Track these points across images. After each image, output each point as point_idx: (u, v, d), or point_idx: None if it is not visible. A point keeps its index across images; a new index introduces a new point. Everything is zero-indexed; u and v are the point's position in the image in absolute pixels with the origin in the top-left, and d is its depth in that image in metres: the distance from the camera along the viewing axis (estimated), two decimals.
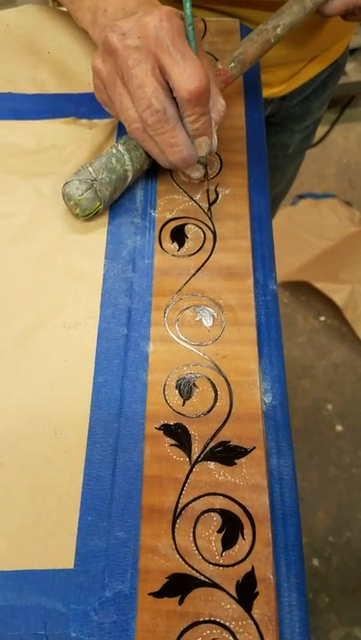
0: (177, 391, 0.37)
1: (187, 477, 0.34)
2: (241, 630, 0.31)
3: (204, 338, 0.39)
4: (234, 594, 0.31)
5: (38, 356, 0.39)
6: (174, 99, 0.39)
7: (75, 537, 0.33)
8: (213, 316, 0.40)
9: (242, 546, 0.33)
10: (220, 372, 0.38)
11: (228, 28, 0.55)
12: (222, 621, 0.31)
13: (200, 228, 0.44)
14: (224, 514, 0.33)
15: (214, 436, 0.36)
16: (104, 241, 0.44)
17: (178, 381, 0.38)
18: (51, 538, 0.33)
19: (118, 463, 0.35)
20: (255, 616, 0.31)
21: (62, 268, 0.43)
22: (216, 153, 0.47)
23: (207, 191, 0.46)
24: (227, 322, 0.40)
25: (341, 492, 1.33)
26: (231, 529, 0.33)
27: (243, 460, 0.35)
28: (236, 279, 0.42)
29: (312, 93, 0.77)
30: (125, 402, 0.37)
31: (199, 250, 0.43)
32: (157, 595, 0.32)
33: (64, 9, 0.54)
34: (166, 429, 0.36)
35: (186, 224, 0.44)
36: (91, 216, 0.44)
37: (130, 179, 0.44)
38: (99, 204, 0.43)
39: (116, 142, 0.44)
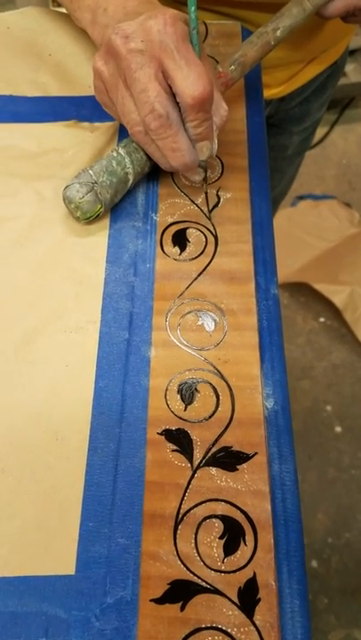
0: (179, 396, 0.37)
1: (188, 483, 0.34)
2: (243, 637, 0.30)
3: (206, 342, 0.39)
4: (236, 600, 0.31)
5: (39, 361, 0.39)
6: (177, 103, 0.39)
7: (76, 543, 0.33)
8: (215, 320, 0.40)
9: (244, 552, 0.32)
10: (221, 376, 0.38)
11: (230, 30, 0.55)
12: (224, 628, 0.31)
13: (202, 231, 0.44)
14: (226, 520, 0.33)
15: (216, 441, 0.36)
16: (105, 244, 0.44)
17: (180, 386, 0.38)
18: (52, 544, 0.33)
19: (120, 469, 0.35)
20: (257, 622, 0.31)
21: (63, 271, 0.42)
22: (217, 156, 0.47)
23: (206, 194, 0.46)
24: (228, 326, 0.40)
25: (341, 494, 1.33)
26: (233, 535, 0.33)
27: (245, 465, 0.35)
28: (237, 283, 0.42)
29: (311, 95, 0.77)
30: (127, 407, 0.37)
31: (201, 254, 0.43)
32: (159, 601, 0.31)
33: (64, 10, 0.54)
34: (168, 435, 0.36)
35: (187, 228, 0.44)
36: (92, 219, 0.44)
37: (131, 181, 0.44)
38: (100, 206, 0.43)
39: (117, 145, 0.44)
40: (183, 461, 0.35)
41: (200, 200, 0.45)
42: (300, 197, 1.75)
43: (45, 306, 0.41)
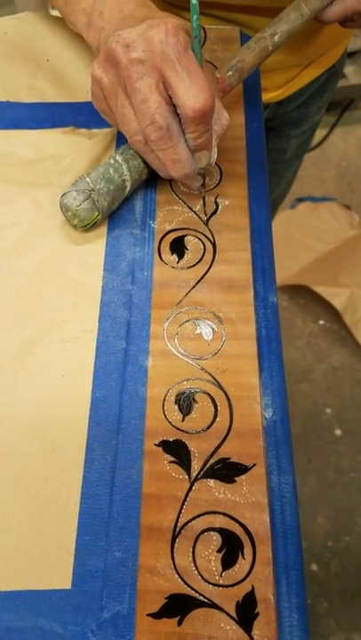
0: (176, 406, 0.37)
1: (186, 495, 0.34)
2: None
3: (204, 351, 0.39)
4: (234, 614, 0.31)
5: (36, 371, 0.39)
6: (177, 114, 0.39)
7: (72, 556, 0.33)
8: (213, 329, 0.40)
9: (242, 565, 0.32)
10: (220, 386, 0.38)
11: (228, 36, 0.54)
12: None
13: (200, 239, 0.44)
14: (224, 533, 0.33)
15: (214, 452, 0.35)
16: (103, 252, 0.43)
17: (177, 396, 0.37)
18: (48, 557, 0.33)
19: (116, 481, 0.35)
20: (255, 637, 0.31)
21: (60, 280, 0.42)
22: (216, 163, 0.47)
23: (203, 199, 0.45)
24: (227, 335, 0.40)
25: (340, 497, 1.32)
26: (231, 548, 0.32)
27: (243, 477, 0.34)
28: (236, 292, 0.41)
29: (309, 98, 0.76)
30: (124, 417, 0.37)
31: (199, 262, 0.43)
32: (156, 615, 0.31)
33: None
34: (165, 446, 0.36)
35: (185, 235, 0.44)
36: (89, 227, 0.43)
37: (128, 189, 0.44)
38: (97, 214, 0.43)
39: (115, 152, 0.44)
40: (181, 473, 0.35)
41: (198, 207, 0.45)
42: (300, 199, 1.75)
43: (42, 315, 0.41)
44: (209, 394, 0.37)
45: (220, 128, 0.41)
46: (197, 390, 0.37)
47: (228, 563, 0.32)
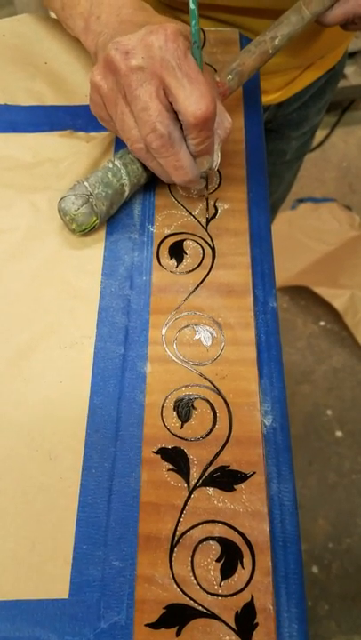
0: (175, 413, 0.37)
1: (185, 504, 0.34)
2: None
3: (203, 357, 0.39)
4: (233, 625, 0.31)
5: (33, 377, 0.38)
6: (179, 120, 0.38)
7: (69, 566, 0.32)
8: (212, 334, 0.39)
9: (241, 575, 0.32)
10: (219, 393, 0.37)
11: (228, 38, 0.54)
12: None
13: (199, 243, 0.43)
14: (223, 542, 0.33)
15: (213, 460, 0.35)
16: (101, 257, 0.43)
17: (176, 403, 0.37)
18: (45, 566, 0.32)
19: (114, 489, 0.34)
20: None
21: (58, 285, 0.42)
22: None
23: (206, 200, 0.45)
24: (226, 341, 0.39)
25: (341, 499, 1.32)
26: (230, 558, 0.32)
27: (242, 485, 0.34)
28: (235, 297, 0.41)
29: (309, 100, 0.76)
30: (122, 424, 0.36)
31: (198, 266, 0.42)
32: (154, 626, 0.31)
33: None
34: (164, 453, 0.35)
35: (184, 240, 0.44)
36: (87, 231, 0.43)
37: (127, 193, 0.43)
38: (95, 219, 0.42)
39: (113, 156, 0.43)
40: (179, 481, 0.34)
41: (197, 211, 0.45)
42: (300, 200, 1.74)
43: (39, 320, 0.40)
44: (208, 400, 0.37)
45: (223, 132, 0.41)
46: (196, 397, 0.37)
47: (227, 572, 0.32)
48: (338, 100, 1.82)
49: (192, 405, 0.37)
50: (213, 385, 0.37)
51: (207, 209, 0.45)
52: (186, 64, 0.37)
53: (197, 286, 0.41)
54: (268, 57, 0.46)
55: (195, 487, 0.34)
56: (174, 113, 0.38)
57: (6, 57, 0.53)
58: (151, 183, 0.46)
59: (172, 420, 0.36)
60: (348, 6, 0.47)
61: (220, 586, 0.32)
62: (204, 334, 0.39)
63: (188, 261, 0.43)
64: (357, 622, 1.19)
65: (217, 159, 0.41)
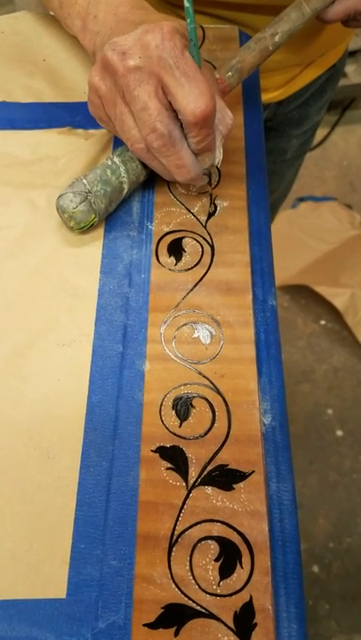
0: (173, 412, 0.36)
1: (183, 503, 0.33)
2: None
3: (202, 356, 0.38)
4: (231, 625, 0.30)
5: (31, 375, 0.38)
6: (178, 119, 0.38)
7: (67, 565, 0.32)
8: (211, 332, 0.39)
9: (240, 575, 0.32)
10: (218, 391, 0.37)
11: (227, 35, 0.54)
12: None
13: (198, 241, 0.43)
14: (222, 542, 0.32)
15: (212, 459, 0.35)
16: (99, 255, 0.43)
17: (175, 401, 0.37)
18: (42, 566, 0.32)
19: (112, 488, 0.34)
20: None
21: (56, 282, 0.42)
22: None
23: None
24: (225, 339, 0.39)
25: (342, 498, 1.32)
26: (229, 557, 0.32)
27: (241, 484, 0.34)
28: (234, 295, 0.41)
29: (310, 98, 0.76)
30: (120, 423, 0.36)
31: (197, 264, 0.42)
32: (152, 626, 0.31)
33: None
34: (162, 452, 0.35)
35: (183, 237, 0.43)
36: (86, 229, 0.43)
37: (126, 191, 0.43)
38: (94, 216, 0.42)
39: (112, 154, 0.43)
40: (178, 480, 0.34)
41: (196, 209, 0.45)
42: (301, 199, 1.74)
43: (37, 318, 0.40)
44: (207, 399, 0.37)
45: (224, 128, 0.40)
46: (195, 395, 0.37)
47: (225, 572, 0.32)
48: (338, 99, 1.82)
49: (191, 404, 0.37)
50: (212, 383, 0.37)
51: (210, 203, 0.45)
52: (183, 62, 0.37)
53: (196, 284, 0.41)
54: (268, 54, 0.46)
55: (193, 486, 0.34)
56: (174, 112, 0.38)
57: (5, 54, 0.53)
58: (150, 180, 0.45)
59: (171, 419, 0.36)
60: (348, 3, 0.47)
61: (218, 585, 0.31)
62: (202, 332, 0.39)
63: (186, 259, 0.42)
64: (358, 622, 1.19)
65: (219, 156, 0.41)
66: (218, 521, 0.33)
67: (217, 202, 0.45)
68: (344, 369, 1.50)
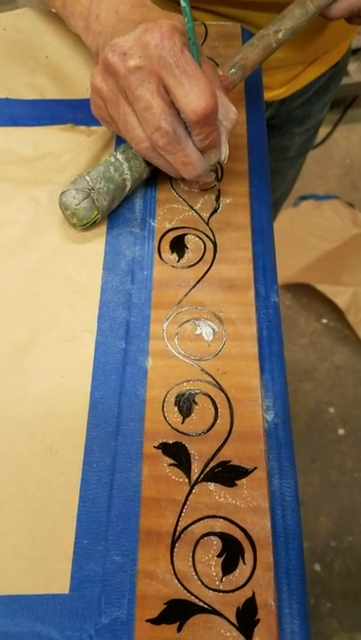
0: (176, 408, 0.36)
1: (186, 499, 0.33)
2: None
3: (205, 352, 0.38)
4: (234, 621, 0.30)
5: (34, 371, 0.38)
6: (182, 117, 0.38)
7: (70, 561, 0.32)
8: (214, 329, 0.39)
9: (242, 571, 0.32)
10: (220, 388, 0.37)
11: (229, 32, 0.53)
12: None
13: (200, 238, 0.43)
14: (224, 537, 0.32)
15: (214, 455, 0.35)
16: (102, 251, 0.43)
17: (177, 398, 0.37)
18: (45, 561, 0.32)
19: (115, 484, 0.34)
20: None
21: (59, 279, 0.42)
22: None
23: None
24: (227, 336, 0.39)
25: (343, 497, 1.32)
26: (231, 553, 0.32)
27: (244, 480, 0.34)
28: (236, 291, 0.41)
29: (313, 96, 0.76)
30: (123, 419, 0.36)
31: (199, 261, 0.42)
32: (155, 621, 0.31)
33: None
34: (165, 448, 0.35)
35: (186, 234, 0.43)
36: (88, 226, 0.43)
37: (128, 188, 0.43)
38: (96, 213, 0.42)
39: (115, 151, 0.43)
40: (181, 476, 0.34)
41: (199, 206, 0.44)
42: (303, 197, 1.74)
43: (40, 314, 0.40)
44: (209, 395, 0.37)
45: (229, 123, 0.40)
46: (197, 392, 0.37)
47: (228, 568, 0.32)
48: (340, 98, 1.81)
49: (193, 400, 0.37)
50: (215, 380, 0.37)
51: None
52: (183, 60, 0.37)
53: (199, 281, 0.41)
54: (271, 51, 0.46)
55: (196, 482, 0.34)
56: (177, 109, 0.38)
57: (7, 51, 0.53)
58: (152, 177, 0.45)
59: (174, 415, 0.36)
60: (352, 0, 0.47)
61: (221, 581, 0.31)
62: (205, 329, 0.39)
63: (189, 256, 0.42)
64: (360, 620, 1.19)
65: (225, 152, 0.41)
66: (220, 517, 0.33)
67: (219, 198, 0.45)
68: (346, 367, 1.50)
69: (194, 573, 0.32)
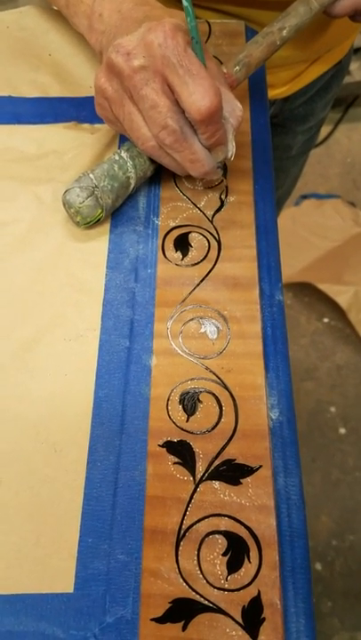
0: (180, 406, 0.36)
1: (191, 497, 0.33)
2: None
3: (209, 351, 0.38)
4: (239, 620, 0.30)
5: (38, 370, 0.38)
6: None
7: (75, 559, 0.32)
8: (218, 327, 0.39)
9: (248, 569, 0.31)
10: (225, 386, 0.37)
11: (233, 30, 0.53)
12: None
13: (204, 236, 0.43)
14: (229, 536, 0.32)
15: (219, 453, 0.35)
16: (106, 249, 0.43)
17: (181, 396, 0.37)
18: (50, 560, 0.32)
19: (120, 482, 0.34)
20: None
21: (63, 277, 0.41)
22: None
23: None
24: (232, 334, 0.39)
25: (345, 496, 1.32)
26: (237, 552, 0.32)
27: (249, 479, 0.34)
28: (241, 290, 0.40)
29: (315, 94, 0.76)
30: (127, 417, 0.36)
31: (203, 259, 0.42)
32: (160, 620, 0.31)
33: None
34: (169, 447, 0.35)
35: (190, 232, 0.43)
36: (92, 224, 0.43)
37: (132, 186, 0.43)
38: (100, 211, 0.42)
39: (119, 148, 0.43)
40: (185, 475, 0.34)
41: (203, 204, 0.44)
42: (304, 196, 1.74)
43: (44, 312, 0.40)
44: (214, 394, 0.37)
45: (235, 120, 0.40)
46: (202, 390, 0.37)
47: (233, 566, 0.32)
48: (342, 96, 1.81)
49: (198, 399, 0.36)
50: (219, 378, 0.37)
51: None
52: (187, 59, 0.37)
53: (203, 279, 0.41)
54: (275, 48, 0.45)
55: (201, 481, 0.34)
56: (182, 108, 0.38)
57: (10, 49, 0.53)
58: (156, 175, 0.45)
59: (178, 414, 0.36)
60: None
61: (226, 580, 0.31)
62: (209, 327, 0.39)
63: (193, 254, 0.42)
64: None
65: (232, 149, 0.41)
66: (225, 515, 0.33)
67: (223, 197, 0.45)
68: (347, 366, 1.50)
69: (199, 572, 0.31)
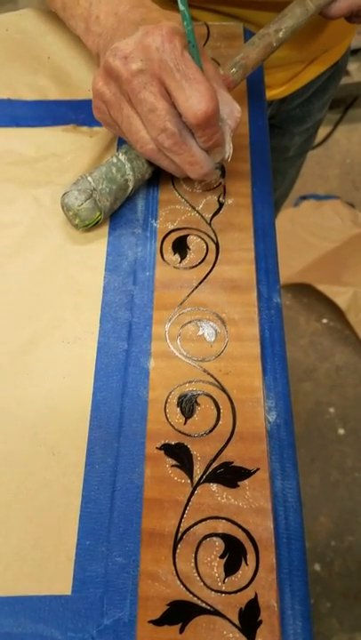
0: (178, 409, 0.36)
1: (188, 500, 0.33)
2: None
3: (207, 353, 0.38)
4: (237, 622, 0.30)
5: (36, 372, 0.38)
6: None
7: (72, 562, 0.32)
8: (216, 330, 0.39)
9: (245, 572, 0.32)
10: (222, 389, 0.37)
11: (231, 32, 0.53)
12: None
13: (202, 239, 0.43)
14: (227, 539, 0.32)
15: (217, 456, 0.35)
16: (104, 252, 0.43)
17: (179, 399, 0.37)
18: (48, 562, 0.32)
19: (118, 485, 0.34)
20: None
21: (61, 280, 0.42)
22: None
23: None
24: (230, 337, 0.39)
25: (343, 497, 1.32)
26: (234, 554, 0.32)
27: (246, 481, 0.34)
28: (239, 292, 0.41)
29: (312, 95, 0.76)
30: (125, 420, 0.36)
31: (202, 262, 0.42)
32: (158, 622, 0.31)
33: None
34: (167, 449, 0.35)
35: (188, 235, 0.43)
36: (90, 226, 0.43)
37: (130, 188, 0.43)
38: (98, 214, 0.42)
39: (117, 151, 0.43)
40: (183, 477, 0.34)
41: (201, 206, 0.44)
42: (303, 197, 1.74)
43: (42, 315, 0.40)
44: (211, 396, 0.37)
45: (233, 122, 0.40)
46: (200, 393, 0.37)
47: (230, 569, 0.32)
48: (341, 97, 1.81)
49: (195, 401, 0.37)
50: (217, 381, 0.37)
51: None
52: (183, 63, 0.37)
53: (201, 282, 0.41)
54: (271, 50, 0.46)
55: (198, 483, 0.34)
56: None
57: (9, 51, 0.53)
58: (154, 178, 0.45)
59: (176, 416, 0.36)
60: None
61: (223, 582, 0.31)
62: (207, 330, 0.39)
63: (191, 257, 0.42)
64: (359, 620, 1.19)
65: (229, 150, 0.41)
66: (223, 518, 0.33)
67: (222, 199, 0.45)
68: (346, 367, 1.50)
69: (196, 574, 0.32)
